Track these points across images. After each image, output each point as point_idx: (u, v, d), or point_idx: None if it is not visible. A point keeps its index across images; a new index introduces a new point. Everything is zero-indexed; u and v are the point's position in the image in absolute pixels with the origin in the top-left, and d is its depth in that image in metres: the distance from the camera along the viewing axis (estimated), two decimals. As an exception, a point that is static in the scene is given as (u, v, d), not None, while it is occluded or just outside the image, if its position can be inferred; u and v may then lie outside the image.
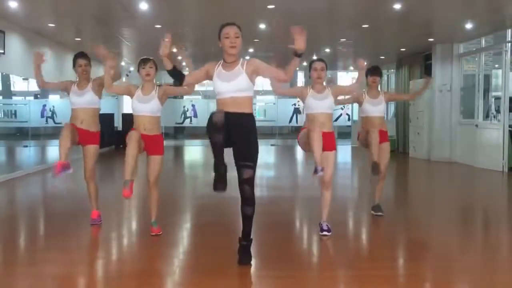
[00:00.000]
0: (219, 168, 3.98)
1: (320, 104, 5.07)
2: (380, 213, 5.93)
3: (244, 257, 4.16)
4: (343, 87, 5.64)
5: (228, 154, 4.04)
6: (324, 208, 5.13)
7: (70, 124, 5.24)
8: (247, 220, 4.14)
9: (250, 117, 4.11)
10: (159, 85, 5.11)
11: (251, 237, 4.21)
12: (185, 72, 4.38)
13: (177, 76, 4.22)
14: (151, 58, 5.04)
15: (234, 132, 3.97)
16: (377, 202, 6.01)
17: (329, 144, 5.01)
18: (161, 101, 5.04)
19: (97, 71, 7.52)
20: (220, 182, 4.01)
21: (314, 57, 5.58)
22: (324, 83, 5.22)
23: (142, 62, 4.99)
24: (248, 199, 4.07)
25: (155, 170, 5.06)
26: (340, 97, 5.57)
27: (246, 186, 4.04)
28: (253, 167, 4.05)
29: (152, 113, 4.99)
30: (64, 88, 5.57)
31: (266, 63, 4.19)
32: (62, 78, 6.95)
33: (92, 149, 5.45)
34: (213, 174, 4.03)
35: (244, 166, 4.03)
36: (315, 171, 4.72)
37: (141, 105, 4.96)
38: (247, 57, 4.75)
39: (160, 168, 5.11)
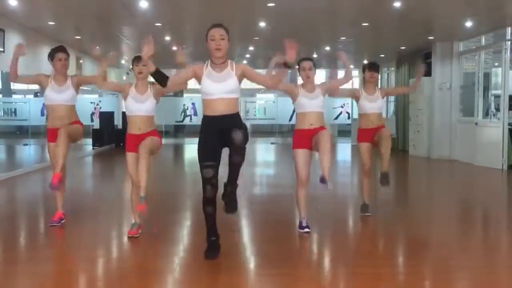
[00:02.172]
0: (212, 237, 4.24)
1: (312, 103, 5.05)
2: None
3: (230, 205, 4.06)
4: (332, 83, 5.60)
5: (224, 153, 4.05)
6: (324, 161, 4.82)
7: (52, 145, 5.17)
8: (236, 166, 3.97)
9: (238, 116, 4.16)
10: (152, 83, 4.97)
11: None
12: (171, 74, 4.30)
13: (161, 78, 4.09)
14: None
15: (226, 131, 3.96)
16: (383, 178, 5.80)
17: (320, 130, 4.95)
18: (156, 100, 4.95)
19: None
20: (212, 251, 4.20)
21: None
22: (317, 82, 5.19)
23: (136, 60, 4.92)
24: (238, 146, 3.88)
25: (147, 142, 4.73)
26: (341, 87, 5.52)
27: (238, 133, 3.85)
28: (245, 134, 3.92)
29: (147, 112, 4.91)
30: (38, 82, 5.39)
31: (253, 69, 4.27)
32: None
33: (74, 126, 5.28)
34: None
35: (234, 133, 3.90)
36: (300, 227, 5.01)
37: (137, 105, 4.87)
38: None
39: (154, 144, 4.83)
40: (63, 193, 5.45)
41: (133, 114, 4.91)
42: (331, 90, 5.43)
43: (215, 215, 4.21)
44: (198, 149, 4.15)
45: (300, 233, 5.08)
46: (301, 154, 5.07)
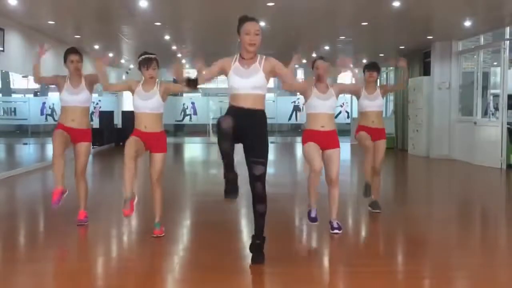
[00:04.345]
0: (229, 175, 3.97)
1: (323, 104, 5.02)
2: (377, 210, 5.96)
3: (257, 257, 4.10)
4: (346, 86, 5.72)
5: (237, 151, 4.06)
6: (333, 206, 5.07)
7: (61, 131, 5.18)
8: (260, 217, 4.10)
9: (263, 113, 4.14)
10: (160, 81, 4.97)
11: (264, 235, 4.16)
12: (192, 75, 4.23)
13: (193, 84, 4.05)
14: (153, 57, 4.82)
15: (247, 128, 3.94)
16: (375, 199, 6.03)
17: (332, 142, 5.01)
18: (162, 98, 4.93)
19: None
20: (231, 190, 3.99)
21: (313, 55, 5.57)
22: (328, 81, 5.20)
23: (145, 63, 4.78)
24: (260, 196, 4.05)
25: (158, 168, 4.93)
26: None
27: (258, 183, 4.02)
28: (265, 164, 4.04)
29: (153, 110, 4.87)
30: (57, 83, 5.40)
31: (282, 65, 4.16)
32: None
33: (84, 146, 5.36)
34: (222, 179, 3.99)
35: (256, 162, 4.00)
36: (309, 217, 5.15)
37: (143, 102, 4.83)
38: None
39: (163, 166, 4.98)
40: (86, 191, 5.50)
41: (139, 111, 4.88)
42: (343, 92, 5.59)
43: (233, 152, 3.95)
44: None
45: (309, 223, 5.24)
46: (312, 146, 5.01)
